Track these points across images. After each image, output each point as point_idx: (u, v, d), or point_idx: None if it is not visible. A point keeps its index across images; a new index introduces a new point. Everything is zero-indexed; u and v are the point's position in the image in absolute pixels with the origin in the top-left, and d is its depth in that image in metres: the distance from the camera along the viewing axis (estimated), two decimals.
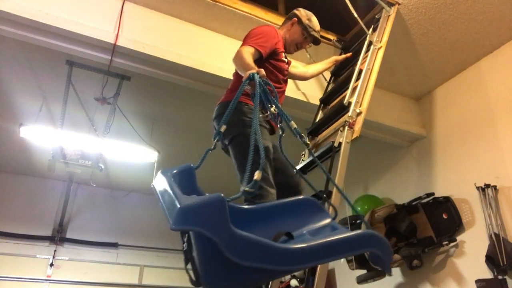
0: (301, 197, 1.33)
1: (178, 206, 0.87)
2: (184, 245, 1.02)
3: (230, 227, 0.87)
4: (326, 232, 1.19)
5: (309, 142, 1.74)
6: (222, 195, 0.89)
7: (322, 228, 1.20)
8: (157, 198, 1.06)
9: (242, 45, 2.08)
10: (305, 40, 2.36)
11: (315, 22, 2.38)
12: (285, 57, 2.30)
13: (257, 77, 1.52)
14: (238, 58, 1.94)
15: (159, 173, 1.13)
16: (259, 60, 2.03)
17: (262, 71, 1.59)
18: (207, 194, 0.99)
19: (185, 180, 1.15)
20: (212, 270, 0.95)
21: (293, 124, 1.47)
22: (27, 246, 5.09)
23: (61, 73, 3.43)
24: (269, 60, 2.11)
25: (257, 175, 1.07)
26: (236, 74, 2.15)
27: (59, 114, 3.89)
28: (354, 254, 1.10)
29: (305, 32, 2.32)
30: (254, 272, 0.92)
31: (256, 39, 2.05)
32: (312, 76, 2.88)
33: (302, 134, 1.50)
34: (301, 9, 2.43)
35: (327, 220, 1.24)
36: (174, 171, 1.15)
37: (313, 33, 2.33)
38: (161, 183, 1.08)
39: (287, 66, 2.31)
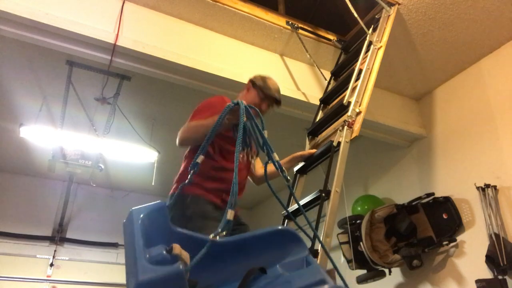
0: (279, 227, 1.29)
1: (136, 279, 0.86)
2: None
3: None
4: (300, 268, 1.15)
5: (289, 179, 1.62)
6: (180, 267, 0.89)
7: (297, 262, 1.17)
8: (124, 243, 1.05)
9: (188, 121, 1.93)
10: (263, 102, 2.14)
11: (271, 83, 2.22)
12: None
13: (242, 104, 1.47)
14: (188, 132, 1.78)
15: (130, 213, 1.10)
16: (213, 150, 1.89)
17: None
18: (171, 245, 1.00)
19: (157, 219, 1.12)
20: None
21: (276, 156, 1.48)
22: (27, 246, 5.09)
23: (61, 73, 3.44)
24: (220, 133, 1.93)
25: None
26: (186, 159, 1.98)
27: (59, 114, 3.89)
28: None
29: (261, 93, 2.14)
30: None
31: (201, 114, 1.89)
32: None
33: (283, 169, 1.51)
34: (256, 75, 2.28)
35: (304, 253, 1.19)
36: (145, 213, 1.11)
37: (270, 92, 2.16)
38: (129, 228, 1.06)
39: None
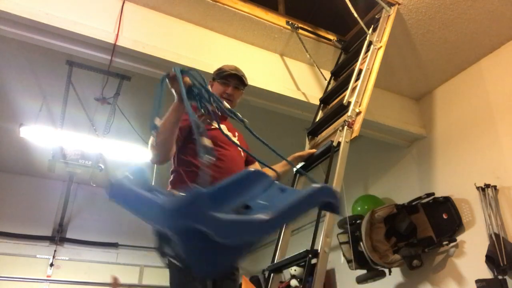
0: (245, 171, 1.37)
1: (163, 207, 0.91)
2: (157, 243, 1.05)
3: (214, 215, 0.91)
4: (277, 194, 1.25)
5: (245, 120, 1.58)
6: (198, 188, 0.93)
7: (272, 192, 1.26)
8: (130, 207, 1.08)
9: None
10: (226, 86, 2.03)
11: (224, 66, 2.12)
12: (224, 125, 1.98)
13: (177, 69, 1.44)
14: (155, 149, 1.63)
15: (112, 184, 1.13)
16: (183, 144, 1.82)
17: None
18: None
19: (140, 182, 1.16)
20: (203, 259, 1.00)
21: (226, 105, 1.48)
22: (27, 246, 5.10)
23: (61, 73, 3.44)
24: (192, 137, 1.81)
25: None
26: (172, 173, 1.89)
27: (59, 114, 3.89)
28: (313, 207, 1.18)
29: (219, 79, 2.04)
30: (238, 247, 1.00)
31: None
32: None
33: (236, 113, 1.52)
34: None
35: (272, 183, 1.29)
36: (130, 177, 1.15)
37: (225, 73, 2.05)
38: (122, 190, 1.10)
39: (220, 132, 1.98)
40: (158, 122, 1.42)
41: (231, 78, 2.04)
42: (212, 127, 1.87)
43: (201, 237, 0.91)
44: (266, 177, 1.31)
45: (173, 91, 1.53)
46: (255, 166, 2.20)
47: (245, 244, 1.01)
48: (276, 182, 1.31)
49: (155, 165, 1.73)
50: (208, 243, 0.92)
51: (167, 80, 1.49)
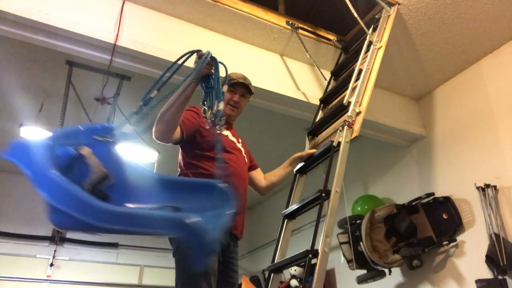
0: (215, 182, 1.34)
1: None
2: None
3: (50, 172, 0.96)
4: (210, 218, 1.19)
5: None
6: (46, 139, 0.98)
7: (212, 216, 1.20)
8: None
9: None
10: (233, 94, 2.07)
11: (233, 74, 2.12)
12: (229, 131, 2.05)
13: (209, 53, 1.48)
14: (159, 121, 1.69)
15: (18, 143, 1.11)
16: (188, 147, 1.87)
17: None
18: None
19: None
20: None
21: (221, 106, 1.50)
22: (27, 246, 5.10)
23: (61, 73, 3.44)
24: (201, 140, 1.89)
25: None
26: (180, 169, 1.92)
27: (59, 114, 3.89)
28: (162, 234, 1.15)
29: (226, 87, 2.01)
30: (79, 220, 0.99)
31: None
32: (269, 186, 2.27)
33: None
34: None
35: (225, 211, 1.23)
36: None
37: (232, 81, 2.07)
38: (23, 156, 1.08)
39: (228, 137, 2.02)
40: (154, 94, 1.45)
41: (238, 86, 2.09)
42: (218, 132, 1.90)
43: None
44: (229, 200, 1.27)
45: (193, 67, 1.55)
46: (258, 172, 2.21)
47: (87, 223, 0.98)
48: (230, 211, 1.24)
49: (159, 141, 1.74)
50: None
51: (196, 55, 1.54)
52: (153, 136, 1.71)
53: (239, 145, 2.06)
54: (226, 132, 2.00)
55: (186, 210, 1.17)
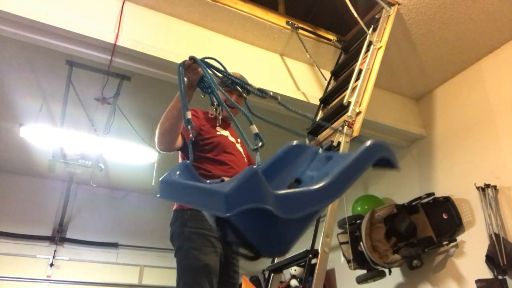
0: (285, 147, 1.34)
1: (223, 192, 0.88)
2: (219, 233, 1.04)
3: (273, 192, 0.91)
4: (324, 162, 1.23)
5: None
6: (253, 167, 0.95)
7: (319, 162, 1.25)
8: (186, 201, 1.11)
9: None
10: (231, 94, 2.01)
11: (232, 74, 2.07)
12: (227, 130, 2.04)
13: (198, 59, 1.48)
14: (161, 132, 1.66)
15: (163, 180, 1.14)
16: (187, 151, 1.88)
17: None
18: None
19: (186, 176, 1.17)
20: (269, 239, 1.00)
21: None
22: (27, 246, 5.09)
23: (61, 73, 3.44)
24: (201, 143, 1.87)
25: None
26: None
27: (59, 114, 3.89)
28: (367, 166, 1.15)
29: (223, 85, 1.97)
30: (301, 221, 0.99)
31: None
32: None
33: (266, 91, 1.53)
34: None
35: (317, 154, 1.28)
36: (177, 173, 1.16)
37: (229, 81, 2.00)
38: (175, 188, 1.11)
39: (228, 138, 2.00)
40: (189, 115, 1.40)
41: (231, 83, 2.05)
42: (218, 133, 1.93)
43: (262, 216, 0.90)
44: (308, 148, 1.31)
45: (186, 79, 1.55)
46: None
47: (306, 216, 0.99)
48: (320, 151, 1.29)
49: (162, 151, 1.75)
50: (270, 221, 0.92)
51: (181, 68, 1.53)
52: (157, 148, 1.72)
53: (238, 145, 2.06)
54: (225, 132, 2.00)
55: (301, 176, 1.20)
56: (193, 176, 1.18)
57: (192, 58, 1.51)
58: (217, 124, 1.96)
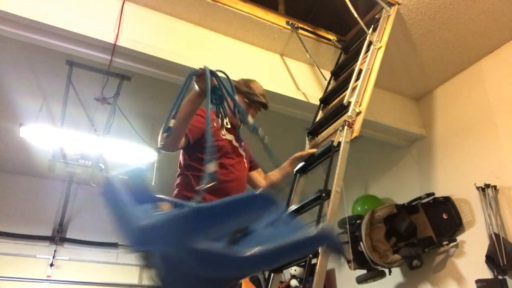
0: (255, 192, 1.31)
1: (135, 226, 0.83)
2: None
3: (190, 243, 0.85)
4: (280, 225, 1.16)
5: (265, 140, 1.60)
6: (191, 206, 0.88)
7: (275, 223, 1.18)
8: (108, 210, 1.01)
9: None
10: (250, 108, 2.08)
11: (255, 86, 2.14)
12: (232, 135, 2.03)
13: (207, 69, 1.47)
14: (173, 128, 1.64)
15: (108, 180, 1.06)
16: (191, 150, 1.83)
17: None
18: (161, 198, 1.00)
19: (138, 184, 1.10)
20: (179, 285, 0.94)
21: (251, 119, 1.49)
22: (27, 246, 5.09)
23: (61, 73, 3.43)
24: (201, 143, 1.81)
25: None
26: (179, 176, 1.91)
27: (59, 114, 3.89)
28: (307, 253, 1.09)
29: (246, 98, 2.07)
30: (217, 281, 0.93)
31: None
32: (269, 186, 2.24)
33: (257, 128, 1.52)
34: (239, 79, 2.18)
35: (280, 214, 1.21)
36: (125, 178, 1.10)
37: (255, 97, 2.08)
38: (112, 193, 1.03)
39: (232, 142, 1.99)
40: (172, 124, 1.41)
41: (257, 103, 2.10)
42: (223, 137, 1.93)
43: (180, 264, 0.83)
44: (277, 204, 1.24)
45: (197, 87, 1.56)
46: (259, 172, 2.22)
47: (226, 277, 0.92)
48: (285, 212, 1.23)
49: (163, 151, 1.73)
50: (187, 271, 0.85)
51: (194, 76, 1.54)
52: (159, 147, 1.72)
53: (241, 150, 2.05)
54: (230, 137, 2.00)
55: (251, 228, 1.14)
56: (144, 187, 1.11)
57: (205, 68, 1.51)
58: (223, 128, 1.96)
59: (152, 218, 0.86)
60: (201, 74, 1.51)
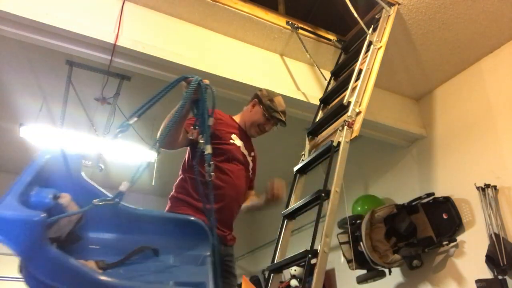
0: (192, 218, 1.30)
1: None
2: None
3: (45, 249, 0.86)
4: (193, 264, 1.14)
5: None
6: (38, 217, 0.87)
7: (193, 258, 1.16)
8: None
9: None
10: (268, 122, 2.07)
11: (278, 103, 2.09)
12: (243, 141, 2.00)
13: (202, 82, 1.45)
14: (163, 131, 1.67)
15: (41, 152, 1.06)
16: (195, 148, 1.71)
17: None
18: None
19: (67, 166, 1.09)
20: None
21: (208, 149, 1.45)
22: None
23: (61, 73, 3.44)
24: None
25: None
26: (179, 178, 1.88)
27: (59, 114, 3.89)
28: None
29: (266, 113, 2.04)
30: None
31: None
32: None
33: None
34: (264, 89, 2.16)
35: (204, 252, 1.18)
36: (55, 155, 1.08)
37: (275, 114, 2.05)
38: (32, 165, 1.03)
39: (239, 148, 1.95)
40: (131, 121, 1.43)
41: (275, 119, 2.08)
42: (231, 141, 1.92)
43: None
44: (206, 240, 1.21)
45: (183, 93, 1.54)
46: (249, 193, 2.10)
47: None
48: (208, 253, 1.19)
49: (164, 149, 1.73)
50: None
51: (183, 82, 1.52)
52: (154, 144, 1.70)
53: (249, 158, 2.01)
54: (238, 142, 1.96)
55: (164, 252, 1.13)
56: (73, 171, 1.09)
57: (199, 82, 1.49)
58: (234, 132, 1.96)
59: (7, 210, 0.87)
60: (189, 83, 1.48)
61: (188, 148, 1.92)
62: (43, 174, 1.03)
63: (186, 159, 1.92)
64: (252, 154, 2.06)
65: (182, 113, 1.55)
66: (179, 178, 1.89)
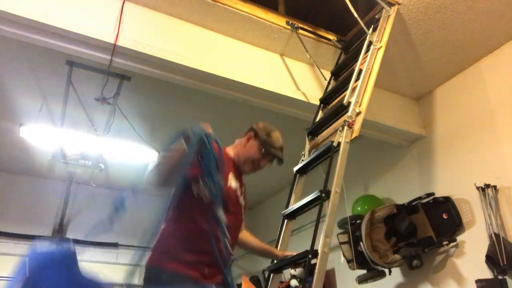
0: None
1: None
2: None
3: None
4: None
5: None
6: None
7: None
8: None
9: None
10: (264, 158, 1.90)
11: (275, 138, 1.94)
12: (237, 180, 1.87)
13: (202, 131, 1.43)
14: (159, 169, 1.60)
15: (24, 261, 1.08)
16: (186, 194, 1.66)
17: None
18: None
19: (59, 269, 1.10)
20: None
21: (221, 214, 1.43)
22: (27, 246, 5.09)
23: (61, 73, 3.44)
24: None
25: None
26: (166, 222, 1.78)
27: (59, 114, 3.89)
28: None
29: (263, 149, 1.88)
30: None
31: None
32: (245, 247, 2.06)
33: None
34: (260, 123, 1.99)
35: None
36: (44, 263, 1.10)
37: (272, 150, 1.90)
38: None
39: (235, 192, 1.83)
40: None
41: (272, 157, 1.94)
42: (228, 184, 1.78)
43: None
44: None
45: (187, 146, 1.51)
46: (244, 232, 2.04)
47: None
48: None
49: (156, 186, 1.72)
50: None
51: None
52: (151, 183, 1.71)
53: (241, 199, 1.88)
54: (234, 184, 1.82)
55: None
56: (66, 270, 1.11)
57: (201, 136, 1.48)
58: (232, 172, 1.83)
59: None
60: (188, 138, 1.46)
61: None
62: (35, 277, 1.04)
63: (178, 205, 1.74)
64: (243, 189, 1.91)
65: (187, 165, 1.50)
66: (164, 231, 1.75)
